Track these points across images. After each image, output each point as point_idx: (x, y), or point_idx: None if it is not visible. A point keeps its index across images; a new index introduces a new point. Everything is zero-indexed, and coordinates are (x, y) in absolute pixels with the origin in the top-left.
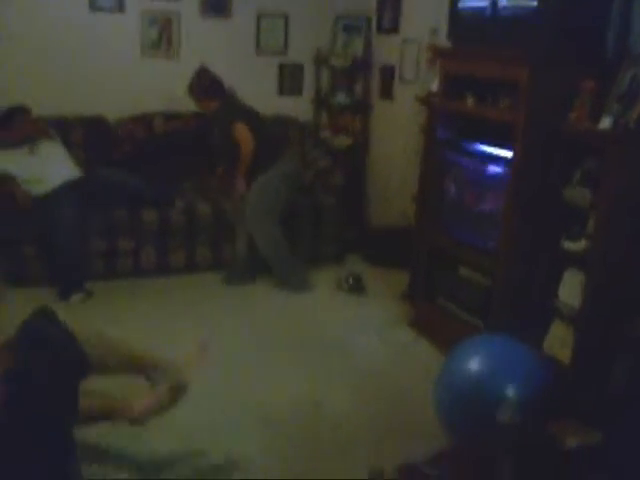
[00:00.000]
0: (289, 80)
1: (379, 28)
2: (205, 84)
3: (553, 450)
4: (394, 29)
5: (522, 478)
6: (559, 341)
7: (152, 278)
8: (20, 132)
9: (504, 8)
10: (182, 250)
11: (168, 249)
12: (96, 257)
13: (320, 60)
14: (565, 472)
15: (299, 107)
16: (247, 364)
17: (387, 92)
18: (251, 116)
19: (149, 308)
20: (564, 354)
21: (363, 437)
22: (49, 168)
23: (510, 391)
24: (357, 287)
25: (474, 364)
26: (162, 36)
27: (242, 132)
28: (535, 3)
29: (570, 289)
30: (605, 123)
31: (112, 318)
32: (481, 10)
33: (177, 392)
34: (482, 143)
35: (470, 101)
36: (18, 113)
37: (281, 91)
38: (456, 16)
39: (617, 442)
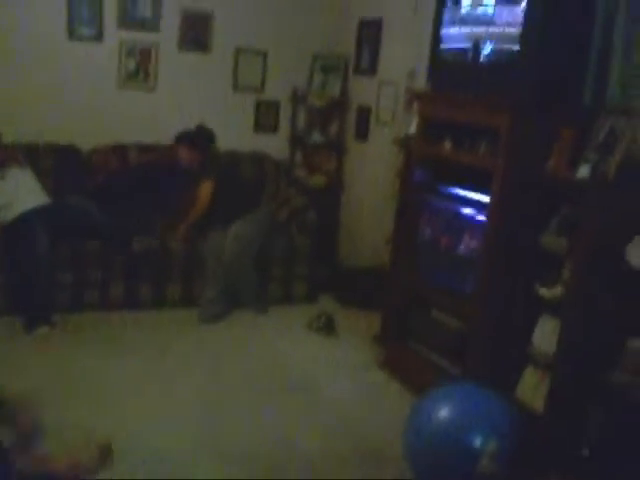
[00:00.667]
0: (265, 117)
1: (356, 69)
2: (198, 136)
3: None
4: (372, 70)
5: None
6: (532, 388)
7: (120, 312)
8: None
9: (486, 54)
10: (151, 285)
11: (137, 283)
12: (63, 288)
13: (297, 98)
14: None
15: (275, 145)
16: (215, 403)
17: (362, 133)
18: (224, 175)
19: (114, 343)
20: (537, 401)
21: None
22: (18, 194)
23: (489, 442)
24: (328, 327)
25: (444, 412)
26: (140, 67)
27: (205, 191)
28: (517, 50)
29: (544, 335)
30: (583, 172)
31: (74, 352)
32: (462, 54)
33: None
34: (459, 187)
35: (448, 145)
36: None
37: (257, 128)
38: (437, 60)
39: None
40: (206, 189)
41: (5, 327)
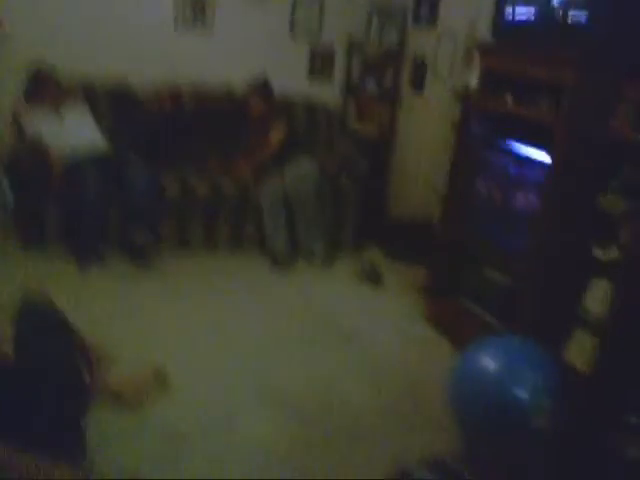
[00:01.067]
0: (320, 65)
1: (415, 19)
2: (267, 86)
3: (611, 461)
4: (431, 20)
5: None
6: (581, 350)
7: (172, 254)
8: (52, 97)
9: (553, 7)
10: (202, 226)
11: (188, 224)
12: (116, 229)
13: (353, 47)
14: None
15: (328, 93)
16: (264, 348)
17: (419, 84)
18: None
19: (167, 284)
20: (584, 363)
21: (378, 427)
22: (77, 135)
23: (542, 399)
24: (375, 277)
25: (490, 363)
26: (197, 12)
27: (278, 135)
28: (584, 4)
29: (597, 298)
30: None
31: (126, 290)
32: (528, 7)
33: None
34: (519, 143)
35: (509, 99)
36: (46, 75)
37: (312, 76)
38: (501, 12)
39: None
40: (279, 133)
41: (60, 263)
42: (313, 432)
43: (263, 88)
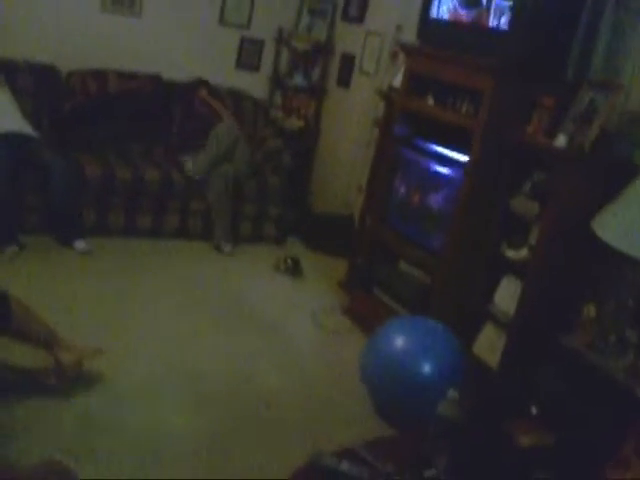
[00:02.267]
0: (248, 55)
1: (344, 15)
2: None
3: (506, 447)
4: (359, 19)
5: (460, 470)
6: (489, 344)
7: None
8: None
9: (476, 16)
10: (123, 212)
11: (108, 209)
12: (31, 211)
13: (282, 39)
14: (514, 469)
15: (255, 83)
16: (180, 331)
17: (345, 80)
18: None
19: (84, 269)
20: (492, 358)
21: (292, 416)
22: None
23: (449, 389)
24: (295, 270)
25: (396, 340)
26: None
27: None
28: (507, 15)
29: (506, 295)
30: (560, 141)
31: (43, 273)
32: (453, 13)
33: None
34: (437, 144)
35: (431, 101)
36: None
37: (239, 65)
38: (427, 16)
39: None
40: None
41: None
42: (230, 420)
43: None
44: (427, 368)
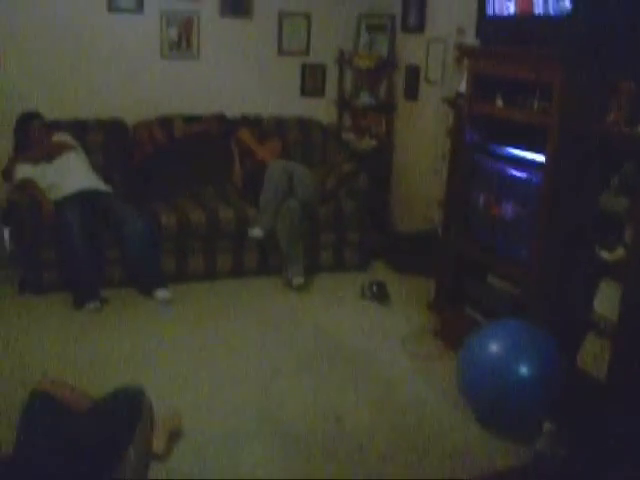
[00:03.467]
0: (311, 81)
1: (404, 27)
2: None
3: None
4: (419, 28)
5: None
6: (594, 355)
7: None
8: (45, 148)
9: (537, 5)
10: (202, 256)
11: (187, 255)
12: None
13: (343, 60)
14: None
15: (322, 109)
16: (266, 374)
17: (412, 93)
18: None
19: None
20: (599, 370)
21: (387, 456)
22: (68, 176)
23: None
24: (381, 295)
25: (494, 345)
26: (182, 37)
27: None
28: (569, 2)
29: (606, 300)
30: None
31: (127, 328)
32: (512, 7)
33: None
34: (513, 147)
35: (499, 103)
36: (32, 118)
37: (304, 92)
38: (486, 14)
39: None
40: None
41: (57, 304)
42: (319, 465)
43: (251, 121)
44: (524, 369)
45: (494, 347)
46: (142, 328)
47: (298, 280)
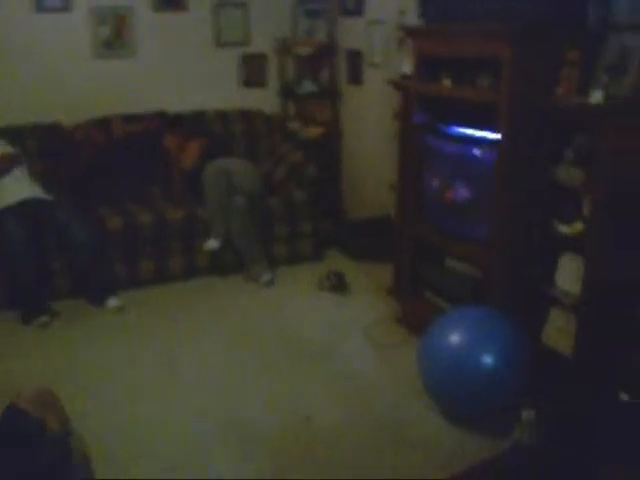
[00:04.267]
0: (252, 72)
1: (343, 11)
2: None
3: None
4: (359, 11)
5: None
6: (558, 330)
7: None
8: None
9: None
10: (152, 259)
11: (137, 259)
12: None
13: (283, 48)
14: None
15: (265, 99)
16: (229, 376)
17: (356, 77)
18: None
19: (120, 325)
20: (565, 344)
21: (360, 452)
22: (8, 185)
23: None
24: (339, 285)
25: (455, 335)
26: (115, 34)
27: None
28: None
29: (568, 275)
30: (596, 97)
31: (79, 340)
32: None
33: None
34: (464, 126)
35: (447, 82)
36: None
37: (245, 83)
38: None
39: None
40: (193, 153)
41: (5, 322)
42: (289, 468)
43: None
44: (488, 359)
45: (454, 338)
46: (96, 339)
47: (266, 277)
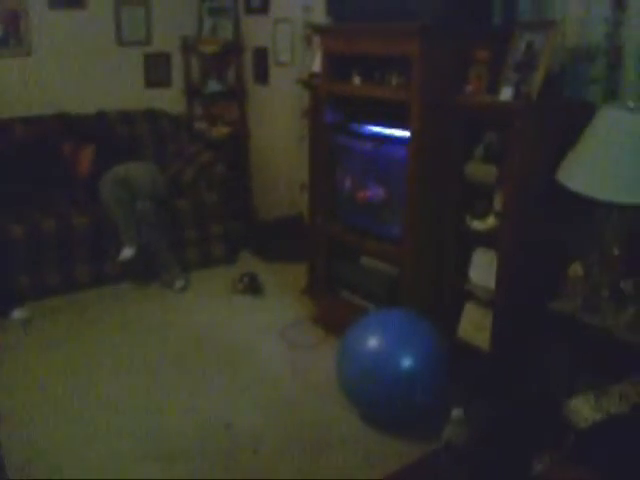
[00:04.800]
0: (156, 71)
1: (247, 9)
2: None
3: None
4: (263, 9)
5: None
6: (474, 325)
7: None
8: None
9: None
10: (58, 268)
11: (42, 268)
12: None
13: (187, 47)
14: None
15: (170, 99)
16: (144, 387)
17: (262, 76)
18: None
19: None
20: (481, 339)
21: (281, 456)
22: None
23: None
24: (253, 287)
25: (372, 339)
26: (9, 32)
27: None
28: None
29: (481, 270)
30: (505, 94)
31: None
32: None
33: None
34: (375, 125)
35: (357, 81)
36: None
37: (149, 83)
38: None
39: None
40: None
41: None
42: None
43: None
44: (406, 362)
45: (372, 342)
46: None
47: (179, 283)
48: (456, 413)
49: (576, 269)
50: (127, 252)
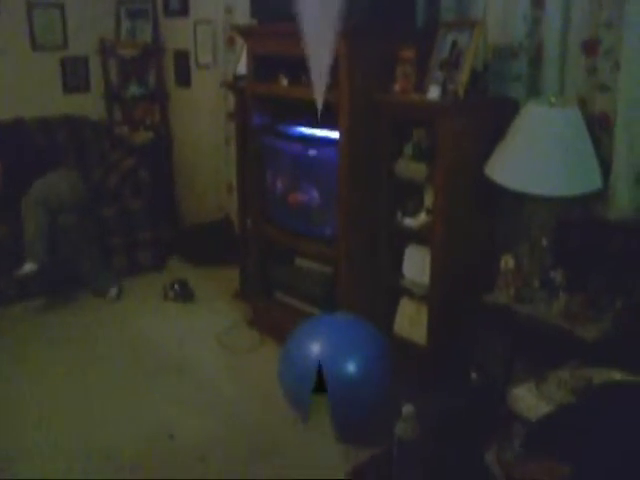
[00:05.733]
0: (74, 76)
1: (166, 11)
2: None
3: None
4: (183, 11)
5: None
6: (409, 320)
7: None
8: None
9: None
10: None
11: None
12: None
13: (106, 51)
14: None
15: (89, 104)
16: (84, 402)
17: (184, 79)
18: None
19: None
20: (417, 334)
21: (226, 463)
22: None
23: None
24: (184, 293)
25: (315, 344)
26: None
27: None
28: None
29: (414, 266)
30: (433, 92)
31: None
32: None
33: None
34: (304, 126)
35: (284, 82)
36: None
37: (66, 88)
38: None
39: None
40: None
41: None
42: None
43: None
44: (349, 366)
45: (315, 347)
46: None
47: (114, 290)
48: (406, 409)
49: (507, 261)
50: (29, 267)
